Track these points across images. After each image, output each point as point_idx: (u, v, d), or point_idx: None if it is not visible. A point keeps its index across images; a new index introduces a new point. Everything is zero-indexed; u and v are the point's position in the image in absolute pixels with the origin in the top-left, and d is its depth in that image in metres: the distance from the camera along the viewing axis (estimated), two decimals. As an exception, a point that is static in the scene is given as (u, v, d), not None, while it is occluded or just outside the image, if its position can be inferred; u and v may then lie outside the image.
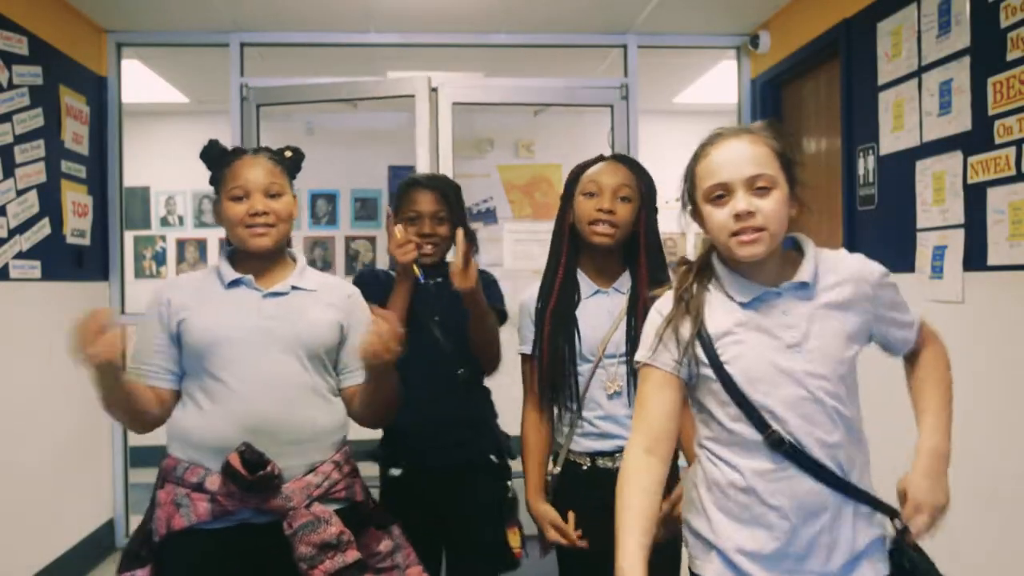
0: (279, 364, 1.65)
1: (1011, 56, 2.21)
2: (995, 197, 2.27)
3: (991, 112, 2.28)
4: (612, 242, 1.86)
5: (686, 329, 1.35)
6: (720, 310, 1.35)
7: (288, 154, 1.82)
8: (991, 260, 2.28)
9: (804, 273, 1.33)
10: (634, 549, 1.28)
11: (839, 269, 1.36)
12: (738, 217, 1.29)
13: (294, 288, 1.73)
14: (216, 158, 1.78)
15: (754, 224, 1.29)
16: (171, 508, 1.61)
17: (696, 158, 1.37)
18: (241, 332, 1.65)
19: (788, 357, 1.30)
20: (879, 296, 1.36)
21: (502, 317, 2.19)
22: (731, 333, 1.33)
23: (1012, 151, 2.21)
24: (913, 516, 1.30)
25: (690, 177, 1.38)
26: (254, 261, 1.73)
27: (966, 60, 2.40)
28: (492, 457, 2.11)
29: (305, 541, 1.57)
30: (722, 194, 1.32)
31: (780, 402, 1.30)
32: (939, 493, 1.31)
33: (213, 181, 1.78)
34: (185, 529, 1.59)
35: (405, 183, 2.16)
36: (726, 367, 1.32)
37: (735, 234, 1.30)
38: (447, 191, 2.12)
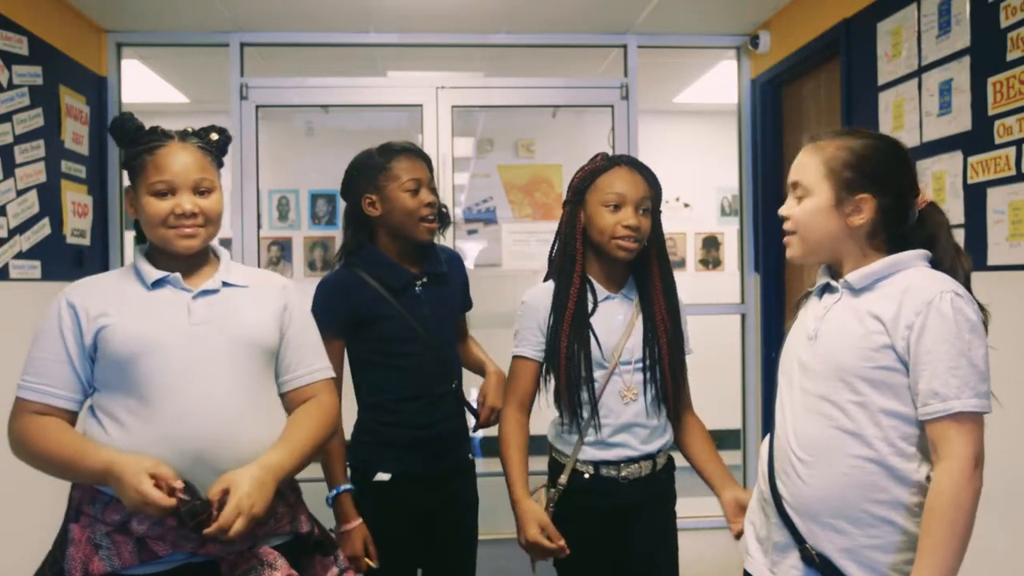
0: (215, 377, 1.46)
1: (1011, 56, 2.21)
2: (995, 197, 2.27)
3: (991, 112, 2.28)
4: (633, 255, 1.82)
5: None
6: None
7: (214, 137, 1.61)
8: (991, 260, 2.28)
9: (853, 274, 1.43)
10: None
11: (899, 282, 1.38)
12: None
13: (225, 284, 1.54)
14: (130, 136, 1.54)
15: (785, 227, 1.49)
16: (88, 549, 1.39)
17: None
18: (171, 339, 1.45)
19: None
20: (914, 325, 1.35)
21: (468, 305, 2.22)
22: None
23: (1012, 151, 2.21)
24: None
25: None
26: (176, 261, 1.54)
27: (966, 60, 2.40)
28: (470, 456, 2.14)
29: None
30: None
31: None
32: None
33: (127, 166, 1.54)
34: (106, 574, 1.39)
35: (391, 151, 2.02)
36: None
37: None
38: (430, 163, 2.09)
